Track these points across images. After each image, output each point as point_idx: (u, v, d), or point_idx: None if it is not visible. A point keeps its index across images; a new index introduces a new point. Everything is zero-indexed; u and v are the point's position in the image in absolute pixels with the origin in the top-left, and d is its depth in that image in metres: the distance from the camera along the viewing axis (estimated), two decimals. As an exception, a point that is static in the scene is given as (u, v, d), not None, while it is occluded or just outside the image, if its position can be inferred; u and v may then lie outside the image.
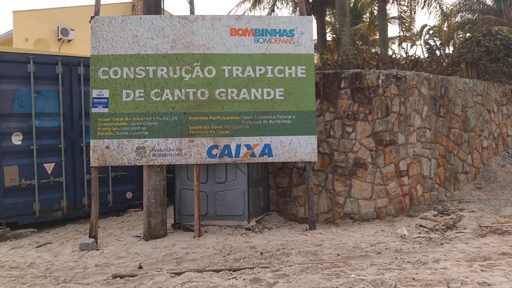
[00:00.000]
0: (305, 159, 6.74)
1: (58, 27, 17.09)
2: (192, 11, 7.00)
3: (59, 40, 17.31)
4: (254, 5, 19.10)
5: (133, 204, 8.54)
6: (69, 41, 17.39)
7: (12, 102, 7.23)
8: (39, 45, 16.64)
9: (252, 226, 6.76)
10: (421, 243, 5.81)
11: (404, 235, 6.14)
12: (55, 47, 16.89)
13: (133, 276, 4.87)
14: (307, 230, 6.70)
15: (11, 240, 7.01)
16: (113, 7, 17.84)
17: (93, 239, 6.30)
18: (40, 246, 6.59)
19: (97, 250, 6.14)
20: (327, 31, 21.64)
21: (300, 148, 6.69)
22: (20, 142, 7.32)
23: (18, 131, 7.29)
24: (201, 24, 6.64)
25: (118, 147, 6.43)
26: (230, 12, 19.65)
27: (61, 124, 7.68)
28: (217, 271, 4.91)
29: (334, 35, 22.00)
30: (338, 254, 5.37)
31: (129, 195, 8.46)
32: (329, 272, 4.68)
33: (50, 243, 6.73)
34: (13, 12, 17.04)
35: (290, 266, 4.94)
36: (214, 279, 4.62)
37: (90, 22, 6.49)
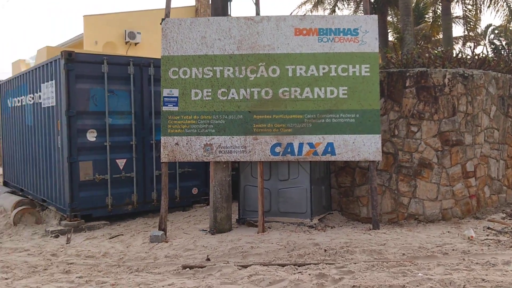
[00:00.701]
0: (369, 159, 6.71)
1: (125, 31, 17.83)
2: (257, 12, 7.16)
3: (126, 43, 18.06)
4: (315, 6, 19.13)
5: (199, 199, 8.83)
6: (135, 44, 18.10)
7: (88, 101, 7.69)
8: (107, 48, 17.44)
9: (315, 224, 6.82)
10: (489, 245, 5.65)
11: (472, 237, 5.98)
12: (122, 50, 17.65)
13: (201, 267, 5.07)
14: (370, 229, 6.67)
15: (85, 232, 7.46)
16: (177, 11, 18.39)
17: (163, 232, 6.59)
18: (113, 237, 6.97)
19: (166, 242, 6.42)
20: (388, 31, 21.27)
21: (364, 147, 6.67)
22: (94, 139, 7.76)
23: (93, 128, 7.74)
24: (266, 24, 6.78)
25: (187, 143, 6.70)
26: (291, 13, 19.78)
27: (133, 122, 8.07)
28: (282, 265, 5.01)
29: (397, 35, 21.59)
30: (404, 254, 5.32)
31: (195, 190, 8.75)
32: (395, 270, 4.66)
33: (122, 234, 7.10)
34: (83, 16, 17.96)
35: (355, 263, 4.96)
36: (280, 273, 4.73)
37: (160, 24, 6.79)
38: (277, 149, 6.68)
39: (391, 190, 7.23)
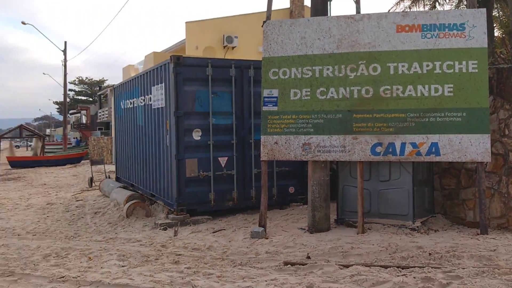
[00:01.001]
0: (477, 160, 6.36)
1: (223, 35, 18.49)
2: (358, 11, 7.10)
3: (224, 47, 18.70)
4: (414, 2, 18.37)
5: (295, 198, 8.93)
6: (233, 47, 18.68)
7: (194, 102, 8.13)
8: (207, 53, 18.18)
9: (417, 227, 6.59)
10: None
11: None
12: (220, 54, 18.30)
13: (303, 265, 5.15)
14: (478, 234, 6.31)
15: (191, 225, 7.87)
16: (277, 12, 18.63)
17: (263, 228, 6.78)
18: (216, 232, 7.29)
19: (266, 238, 6.58)
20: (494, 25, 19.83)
21: (471, 147, 6.33)
22: (199, 138, 8.18)
23: (198, 127, 8.17)
24: (367, 22, 6.70)
25: (285, 142, 6.82)
26: (389, 10, 19.21)
27: (233, 122, 8.39)
28: (385, 267, 4.92)
29: (503, 30, 20.10)
30: (517, 261, 4.98)
31: (291, 190, 8.86)
32: (509, 278, 4.38)
33: (224, 229, 7.40)
34: (185, 23, 18.88)
35: (463, 268, 4.73)
36: (383, 274, 4.66)
37: (262, 26, 6.99)
38: (378, 149, 6.57)
39: (500, 193, 6.78)
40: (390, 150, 6.52)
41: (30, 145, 60.75)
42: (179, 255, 6.00)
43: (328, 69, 6.77)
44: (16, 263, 5.95)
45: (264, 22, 7.01)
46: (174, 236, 7.18)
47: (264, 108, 6.93)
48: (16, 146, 42.17)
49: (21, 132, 35.10)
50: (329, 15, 7.43)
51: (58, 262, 5.90)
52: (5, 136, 37.26)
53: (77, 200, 11.79)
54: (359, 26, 6.71)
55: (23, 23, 34.69)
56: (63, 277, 5.15)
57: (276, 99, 6.89)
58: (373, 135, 6.58)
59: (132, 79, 11.03)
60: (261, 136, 6.95)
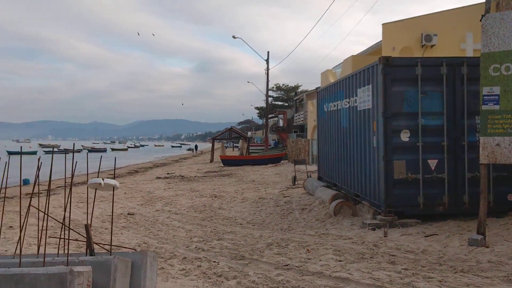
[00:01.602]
0: None
1: (422, 34, 17.68)
2: None
3: (422, 46, 17.86)
4: None
5: (515, 207, 8.08)
6: (431, 46, 17.72)
7: (402, 102, 8.00)
8: (404, 53, 17.58)
9: None
10: None
11: None
12: (418, 54, 17.49)
13: (537, 278, 4.70)
14: None
15: (399, 228, 7.75)
16: (474, 8, 17.11)
17: (482, 236, 6.34)
18: (428, 236, 7.06)
19: (486, 247, 6.15)
20: None
21: None
22: (407, 139, 8.02)
23: (406, 128, 8.01)
24: None
25: (509, 144, 6.28)
26: None
27: (444, 123, 7.99)
28: None
29: None
30: None
31: (510, 197, 8.04)
32: None
33: (436, 234, 7.11)
34: (382, 24, 18.61)
35: None
36: None
37: (480, 20, 6.56)
38: None
39: None
40: None
41: (236, 146, 67.42)
42: (393, 255, 6.01)
43: (562, 61, 6.02)
44: (244, 248, 6.74)
45: (482, 16, 6.57)
46: (384, 236, 7.19)
47: (484, 107, 6.48)
48: (225, 146, 47.40)
49: (230, 134, 39.26)
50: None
51: (280, 251, 6.48)
52: (217, 137, 42.10)
53: (284, 197, 12.64)
54: None
55: (234, 37, 38.45)
56: (287, 265, 5.65)
57: (497, 97, 6.39)
58: None
59: (336, 83, 11.37)
60: (480, 137, 6.52)
